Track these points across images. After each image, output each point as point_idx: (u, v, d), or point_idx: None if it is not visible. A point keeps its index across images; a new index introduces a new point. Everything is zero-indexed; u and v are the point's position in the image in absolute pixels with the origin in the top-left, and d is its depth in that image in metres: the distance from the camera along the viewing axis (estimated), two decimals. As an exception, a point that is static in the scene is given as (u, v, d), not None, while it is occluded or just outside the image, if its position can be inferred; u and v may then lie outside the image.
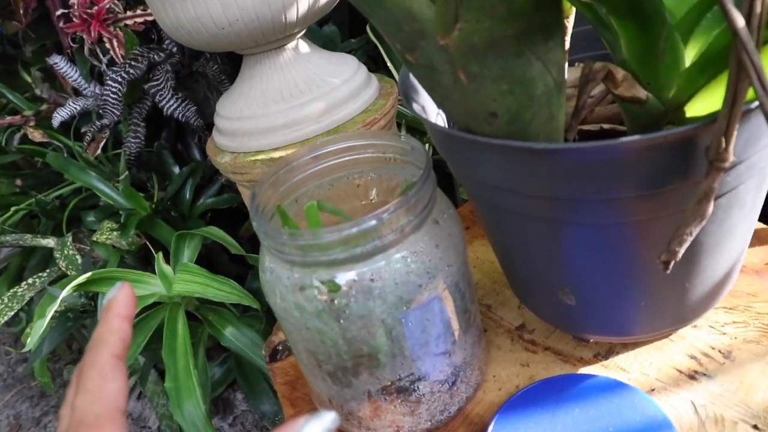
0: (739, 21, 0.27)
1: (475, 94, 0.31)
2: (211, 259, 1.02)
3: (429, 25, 0.29)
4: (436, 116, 0.44)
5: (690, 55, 0.36)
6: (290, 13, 0.67)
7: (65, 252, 1.02)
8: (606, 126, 0.43)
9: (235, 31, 0.67)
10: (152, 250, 0.95)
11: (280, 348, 0.57)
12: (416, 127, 0.88)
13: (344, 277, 0.38)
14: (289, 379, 0.53)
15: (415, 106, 0.41)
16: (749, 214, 0.38)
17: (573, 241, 0.37)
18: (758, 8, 0.27)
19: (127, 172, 0.96)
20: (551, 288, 0.42)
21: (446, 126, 0.45)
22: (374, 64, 1.09)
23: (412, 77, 0.43)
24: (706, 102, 0.34)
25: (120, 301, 0.34)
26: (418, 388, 0.42)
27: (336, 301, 0.38)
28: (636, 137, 0.29)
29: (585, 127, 0.44)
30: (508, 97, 0.31)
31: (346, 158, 0.46)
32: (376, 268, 0.38)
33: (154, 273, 0.85)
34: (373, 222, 0.36)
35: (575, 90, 0.45)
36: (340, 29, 1.05)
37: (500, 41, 0.29)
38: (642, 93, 0.35)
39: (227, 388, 1.07)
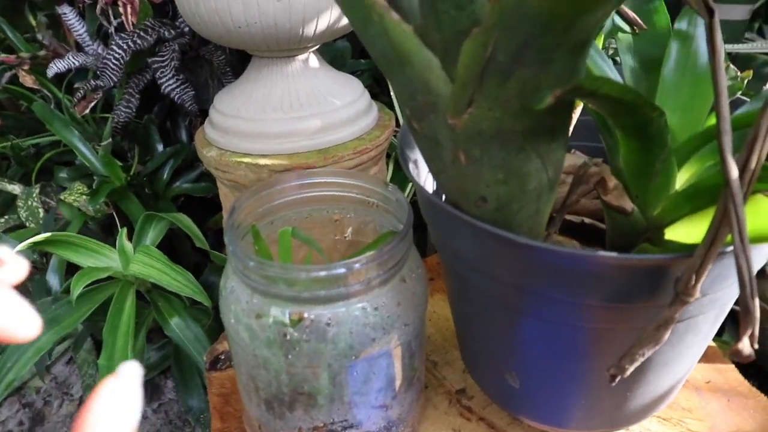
0: (734, 172, 0.28)
1: (471, 176, 0.31)
2: (174, 242, 1.01)
3: (442, 102, 0.29)
4: (427, 174, 0.45)
5: (682, 178, 0.37)
6: (309, 27, 0.68)
7: (29, 202, 1.01)
8: (588, 221, 0.44)
9: (251, 33, 0.67)
10: (117, 222, 0.94)
11: (223, 357, 0.56)
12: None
13: (304, 314, 0.38)
14: (225, 392, 0.53)
15: (410, 163, 0.41)
16: (702, 341, 0.39)
17: (530, 331, 0.37)
18: (753, 164, 0.28)
19: (110, 139, 0.95)
20: (499, 367, 0.42)
21: (435, 188, 0.45)
22: (378, 86, 1.09)
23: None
24: (687, 230, 0.34)
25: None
26: (349, 434, 0.43)
27: (288, 336, 0.38)
28: (613, 255, 0.30)
29: (568, 217, 0.45)
30: (501, 186, 0.31)
31: (331, 193, 0.46)
32: (335, 313, 0.38)
33: (114, 247, 0.84)
34: (342, 270, 0.37)
35: (567, 176, 0.46)
36: (353, 45, 1.06)
37: (507, 133, 0.29)
38: (629, 205, 0.36)
39: (160, 374, 1.06)
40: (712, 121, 0.39)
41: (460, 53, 0.26)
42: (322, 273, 0.37)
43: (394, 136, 0.88)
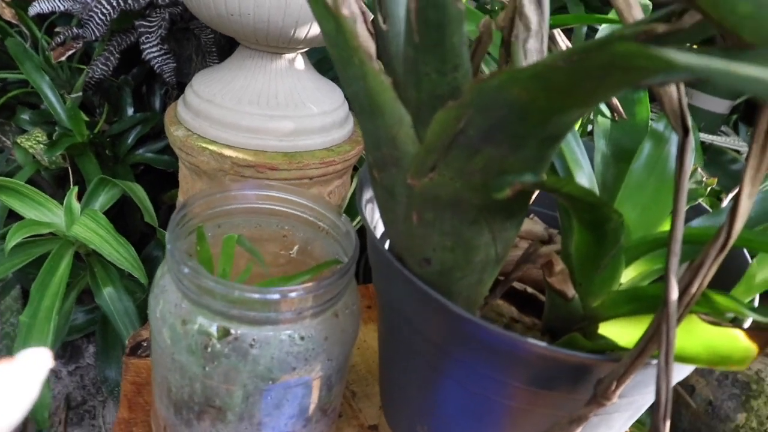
0: (674, 294, 0.28)
1: (420, 237, 0.31)
2: (124, 207, 0.99)
3: (406, 159, 0.29)
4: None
5: (628, 275, 0.38)
6: (302, 29, 0.67)
7: (-16, 137, 0.98)
8: (530, 290, 0.44)
9: (242, 23, 0.66)
10: (71, 179, 0.92)
11: (145, 345, 0.55)
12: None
13: (230, 330, 0.37)
14: (139, 381, 0.52)
15: (365, 202, 0.41)
16: (615, 433, 0.40)
17: (448, 393, 0.37)
18: (694, 289, 0.28)
19: (81, 93, 0.92)
20: (413, 417, 0.42)
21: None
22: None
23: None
24: (621, 329, 0.35)
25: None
26: (251, 455, 0.42)
27: (210, 349, 0.38)
28: (543, 345, 0.30)
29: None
30: (447, 253, 0.31)
31: (285, 209, 0.46)
32: (260, 335, 0.37)
33: (62, 203, 0.82)
34: (276, 296, 0.36)
35: (521, 240, 0.46)
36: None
37: (463, 204, 0.29)
38: (570, 292, 0.36)
39: (83, 337, 1.03)
40: (668, 226, 0.39)
41: (433, 120, 0.26)
42: (256, 295, 0.36)
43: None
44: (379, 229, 0.44)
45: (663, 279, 0.39)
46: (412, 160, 0.29)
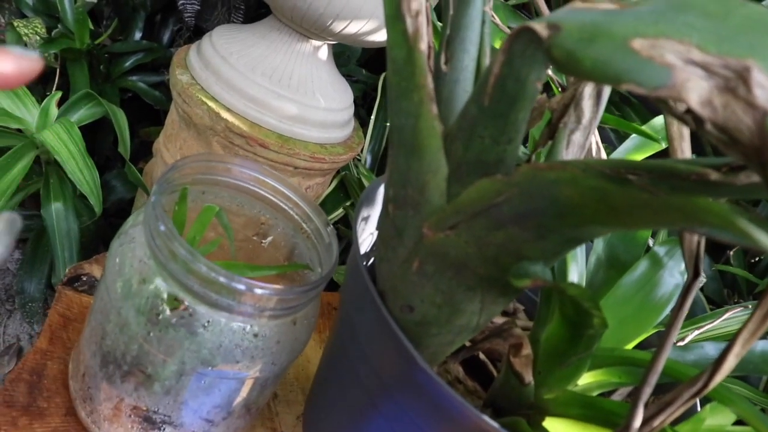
0: (637, 421, 0.28)
1: (412, 284, 0.31)
2: (97, 127, 0.96)
3: (427, 208, 0.29)
4: (368, 236, 0.44)
5: (586, 378, 0.38)
6: (339, 24, 0.66)
7: (-20, 8, 0.94)
8: (482, 357, 0.44)
9: (284, -4, 0.65)
10: (55, 82, 0.88)
11: (84, 280, 0.53)
12: (348, 188, 0.87)
13: (186, 304, 0.36)
14: (68, 316, 0.50)
15: (360, 219, 0.40)
16: None
17: (373, 427, 0.37)
18: (657, 422, 0.28)
19: (95, 1, 0.89)
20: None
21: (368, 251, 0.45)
22: (363, 101, 1.08)
23: (379, 192, 0.42)
24: (564, 430, 0.35)
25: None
26: (163, 429, 0.41)
27: (161, 316, 0.36)
28: (491, 422, 0.30)
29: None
30: (433, 308, 0.31)
31: (275, 200, 0.45)
32: (215, 319, 0.36)
33: (39, 102, 0.79)
34: (242, 287, 0.35)
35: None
36: (363, 52, 1.04)
37: (467, 270, 0.29)
38: (528, 377, 0.36)
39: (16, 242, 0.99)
40: (634, 344, 0.40)
41: (475, 185, 0.26)
42: (222, 279, 0.35)
43: (356, 159, 0.87)
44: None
45: (611, 394, 0.40)
46: (435, 212, 0.28)
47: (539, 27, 0.22)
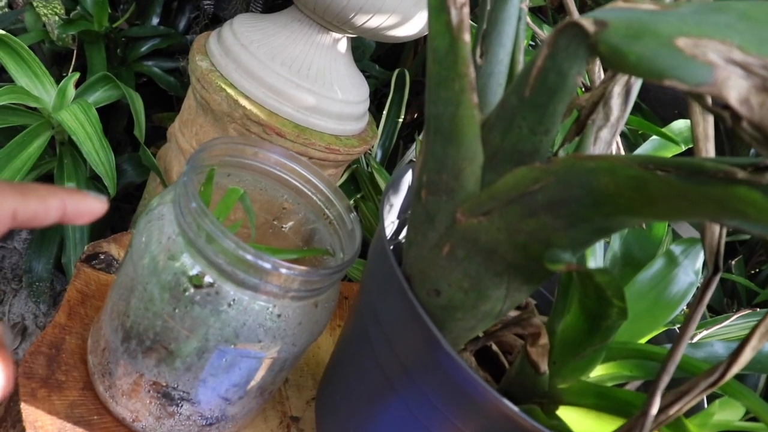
0: (654, 408, 0.29)
1: (441, 268, 0.31)
2: (110, 112, 0.96)
3: (461, 194, 0.30)
4: (393, 222, 0.45)
5: (599, 371, 0.39)
6: (361, 17, 0.67)
7: (-1, -13, 0.94)
8: (494, 348, 0.45)
9: (309, -12, 0.66)
10: (72, 63, 0.89)
11: (102, 258, 0.54)
12: (359, 181, 0.88)
13: (212, 281, 0.37)
14: (86, 292, 0.51)
15: (386, 205, 0.41)
16: None
17: (394, 413, 0.38)
18: (673, 411, 0.29)
19: (114, -15, 0.90)
20: (348, 422, 0.42)
21: (391, 237, 0.45)
22: (375, 97, 1.09)
23: (405, 180, 0.43)
24: (580, 418, 0.36)
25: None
26: (181, 405, 0.41)
27: (187, 292, 0.37)
28: (509, 405, 0.30)
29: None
30: (459, 293, 0.32)
31: (298, 184, 0.45)
32: (239, 297, 0.37)
33: (57, 83, 0.79)
34: (269, 266, 0.36)
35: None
36: (378, 47, 1.05)
37: (497, 256, 0.30)
38: (543, 368, 0.37)
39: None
40: (647, 337, 0.41)
41: (512, 172, 0.27)
42: (249, 257, 0.36)
43: (368, 153, 0.88)
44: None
45: (622, 387, 0.41)
46: (469, 198, 0.29)
47: (587, 23, 0.23)
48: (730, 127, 0.23)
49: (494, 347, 0.46)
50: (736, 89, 0.21)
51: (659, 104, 0.97)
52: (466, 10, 0.27)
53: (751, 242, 1.03)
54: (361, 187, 0.85)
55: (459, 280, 0.31)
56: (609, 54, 0.22)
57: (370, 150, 0.89)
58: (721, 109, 0.22)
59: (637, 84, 0.34)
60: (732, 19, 0.23)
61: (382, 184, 0.83)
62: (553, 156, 0.29)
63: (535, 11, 0.93)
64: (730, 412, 0.38)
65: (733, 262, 0.96)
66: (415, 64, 1.11)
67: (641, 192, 0.23)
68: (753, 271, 1.03)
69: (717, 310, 0.94)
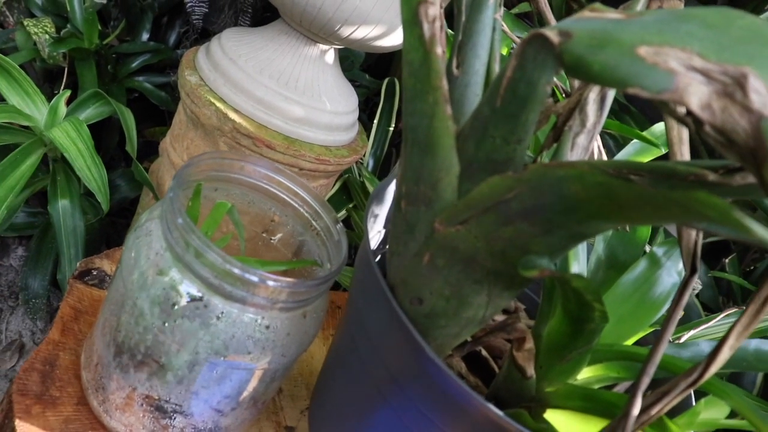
0: (636, 409, 0.29)
1: (422, 277, 0.32)
2: (102, 127, 0.97)
3: (439, 204, 0.30)
4: (378, 233, 0.45)
5: (585, 373, 0.39)
6: (347, 28, 0.67)
7: (-11, 6, 0.95)
8: (484, 354, 0.45)
9: (294, 1, 0.66)
10: (63, 80, 0.90)
11: (95, 274, 0.54)
12: (351, 190, 0.88)
13: (201, 295, 0.37)
14: (79, 308, 0.51)
15: (370, 216, 0.42)
16: None
17: (383, 420, 0.38)
18: (654, 411, 0.30)
19: (104, 2, 0.90)
20: (339, 430, 0.43)
21: (376, 247, 0.46)
22: (366, 106, 1.10)
23: (389, 191, 0.44)
24: (567, 421, 0.36)
25: None
26: (174, 418, 0.42)
27: (176, 307, 0.38)
28: (496, 410, 0.31)
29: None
30: (441, 301, 0.32)
31: (286, 198, 0.46)
32: (228, 310, 0.38)
33: (48, 101, 0.80)
34: (255, 279, 0.36)
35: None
36: (367, 57, 1.06)
37: (475, 263, 0.30)
38: (530, 372, 0.37)
39: (18, 238, 1.00)
40: (633, 340, 0.41)
41: (486, 182, 0.27)
42: (236, 270, 0.36)
43: (359, 162, 0.89)
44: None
45: (610, 389, 0.41)
46: (446, 207, 0.30)
47: (551, 33, 0.23)
48: (694, 132, 0.23)
49: (484, 352, 0.46)
50: (697, 95, 0.21)
51: (648, 106, 0.98)
52: (438, 23, 0.28)
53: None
54: (353, 196, 0.86)
55: (440, 288, 0.32)
56: (573, 64, 0.23)
57: (361, 159, 0.89)
58: (684, 116, 0.22)
59: (612, 91, 0.35)
60: (694, 27, 0.23)
61: (374, 193, 0.84)
62: (531, 164, 0.29)
63: (522, 17, 0.94)
64: (716, 410, 0.39)
65: (727, 261, 0.97)
66: (406, 72, 1.11)
67: (609, 198, 0.23)
68: (748, 269, 1.04)
69: (712, 309, 0.94)
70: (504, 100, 0.26)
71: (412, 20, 0.28)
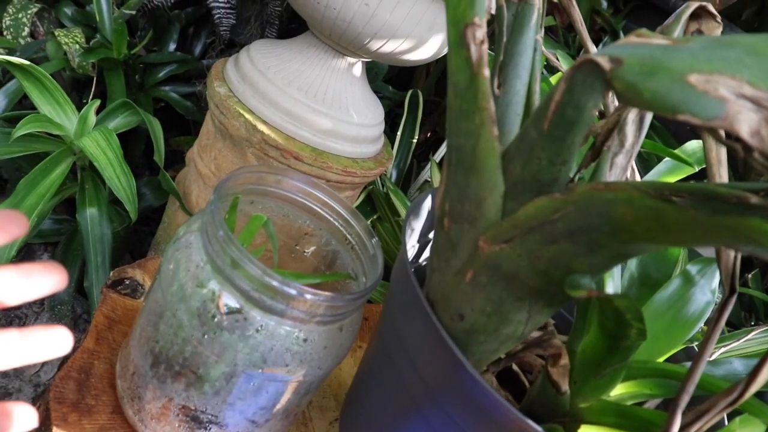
0: (675, 427, 0.30)
1: (464, 293, 0.32)
2: (129, 137, 0.98)
3: (483, 223, 0.31)
4: (414, 246, 0.46)
5: (619, 390, 0.39)
6: (376, 42, 0.68)
7: (20, 16, 0.96)
8: (515, 368, 0.46)
9: (323, 14, 0.67)
10: (93, 89, 0.91)
11: (127, 284, 0.55)
12: (375, 202, 0.89)
13: (240, 307, 0.38)
14: (113, 317, 0.52)
15: (408, 229, 0.42)
16: None
17: (415, 429, 0.39)
18: (693, 429, 0.30)
19: (134, 12, 0.92)
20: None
21: (412, 258, 0.46)
22: (389, 118, 1.10)
23: (425, 205, 0.44)
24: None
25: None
26: (209, 428, 0.42)
27: (216, 319, 0.38)
28: (536, 426, 0.31)
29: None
30: (482, 317, 0.33)
31: (321, 211, 0.47)
32: (266, 323, 0.38)
33: (79, 111, 0.81)
34: (294, 292, 0.37)
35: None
36: (390, 68, 1.07)
37: (518, 281, 0.31)
38: (565, 387, 0.37)
39: (44, 245, 1.02)
40: (666, 355, 0.41)
41: (533, 202, 0.28)
42: (275, 283, 0.37)
43: (383, 174, 0.89)
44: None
45: (642, 406, 0.41)
46: (491, 226, 0.30)
47: (602, 60, 0.24)
48: (742, 157, 0.24)
49: (514, 367, 0.46)
50: (746, 122, 0.22)
51: (672, 120, 0.98)
52: (485, 46, 0.28)
53: None
54: (377, 208, 0.86)
55: (482, 304, 0.32)
56: (624, 91, 0.23)
57: (385, 171, 0.90)
58: (733, 142, 0.23)
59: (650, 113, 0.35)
60: (740, 54, 0.24)
61: (398, 205, 0.85)
62: (570, 182, 0.30)
63: (546, 31, 0.95)
64: (750, 429, 0.39)
65: (750, 276, 0.97)
66: (428, 84, 1.12)
67: (658, 221, 0.24)
68: (769, 285, 1.03)
69: (735, 325, 0.94)
70: (551, 123, 0.27)
71: (459, 42, 0.29)
